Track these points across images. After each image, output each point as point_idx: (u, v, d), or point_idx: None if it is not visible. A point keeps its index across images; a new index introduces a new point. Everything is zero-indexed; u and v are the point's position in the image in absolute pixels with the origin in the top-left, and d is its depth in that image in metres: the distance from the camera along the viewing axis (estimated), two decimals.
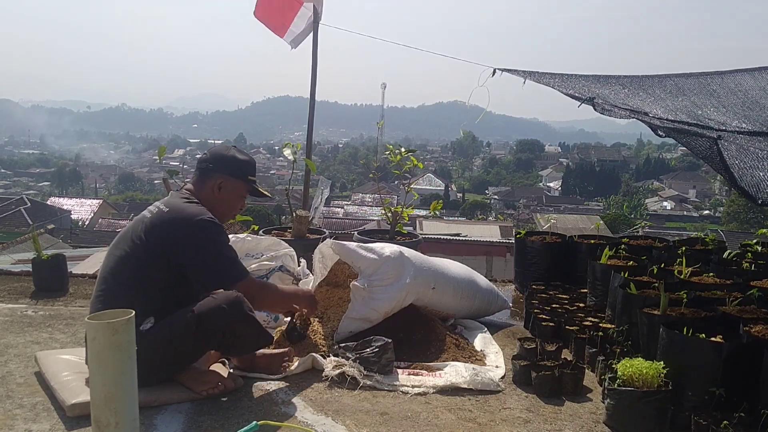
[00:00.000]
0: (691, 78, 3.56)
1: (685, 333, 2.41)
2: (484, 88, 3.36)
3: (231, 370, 2.65)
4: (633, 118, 3.00)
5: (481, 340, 3.22)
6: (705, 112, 3.12)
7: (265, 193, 2.80)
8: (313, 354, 2.77)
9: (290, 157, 4.69)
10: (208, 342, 2.45)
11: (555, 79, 3.38)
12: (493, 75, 3.37)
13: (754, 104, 3.19)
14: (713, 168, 2.84)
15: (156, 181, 68.54)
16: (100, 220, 36.24)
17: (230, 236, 3.47)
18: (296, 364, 2.72)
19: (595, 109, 3.00)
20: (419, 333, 3.04)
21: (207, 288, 2.46)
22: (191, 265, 2.43)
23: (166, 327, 2.36)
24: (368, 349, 2.75)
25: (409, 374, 2.72)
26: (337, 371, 2.63)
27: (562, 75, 3.49)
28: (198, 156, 2.95)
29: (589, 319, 3.36)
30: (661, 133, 2.90)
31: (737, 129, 2.90)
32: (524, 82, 3.37)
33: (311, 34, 5.32)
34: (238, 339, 2.48)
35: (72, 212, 36.56)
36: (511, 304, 4.00)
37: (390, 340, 2.76)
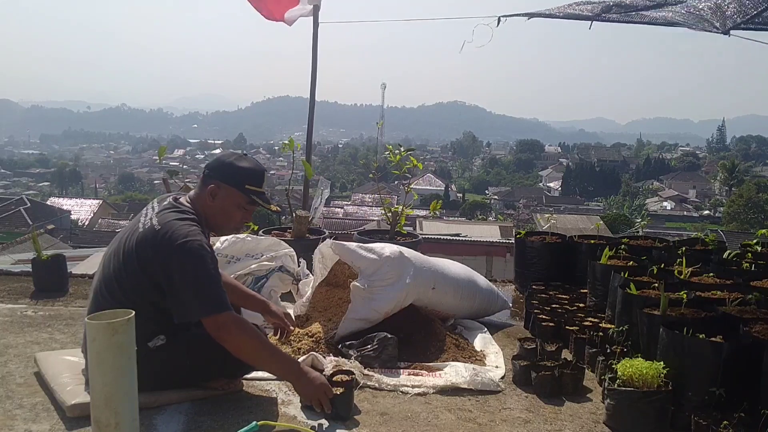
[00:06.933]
0: None
1: (685, 333, 2.41)
2: (486, 35, 3.38)
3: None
4: (646, 14, 2.94)
5: (481, 341, 3.22)
6: None
7: (270, 207, 2.56)
8: (314, 353, 2.77)
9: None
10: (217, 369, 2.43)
11: (557, 9, 3.35)
12: (498, 24, 3.38)
13: None
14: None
15: (156, 182, 68.54)
16: (99, 221, 36.25)
17: (231, 236, 3.47)
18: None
19: (611, 18, 2.95)
20: (419, 333, 3.04)
21: (176, 318, 2.23)
22: (167, 291, 2.23)
23: (180, 347, 2.33)
24: (369, 346, 2.77)
25: (409, 374, 2.72)
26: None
27: (564, 6, 3.46)
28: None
29: (589, 319, 3.35)
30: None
31: None
32: (528, 19, 3.38)
33: (311, 32, 5.33)
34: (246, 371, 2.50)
35: (72, 212, 36.54)
36: (511, 304, 3.99)
37: (391, 336, 2.78)
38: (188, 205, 2.43)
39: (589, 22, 3.09)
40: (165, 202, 2.43)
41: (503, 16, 3.42)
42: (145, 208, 2.46)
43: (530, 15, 3.43)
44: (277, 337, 2.91)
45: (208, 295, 2.20)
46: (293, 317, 2.91)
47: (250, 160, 2.51)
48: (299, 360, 2.70)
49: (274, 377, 2.62)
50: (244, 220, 2.55)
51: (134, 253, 2.28)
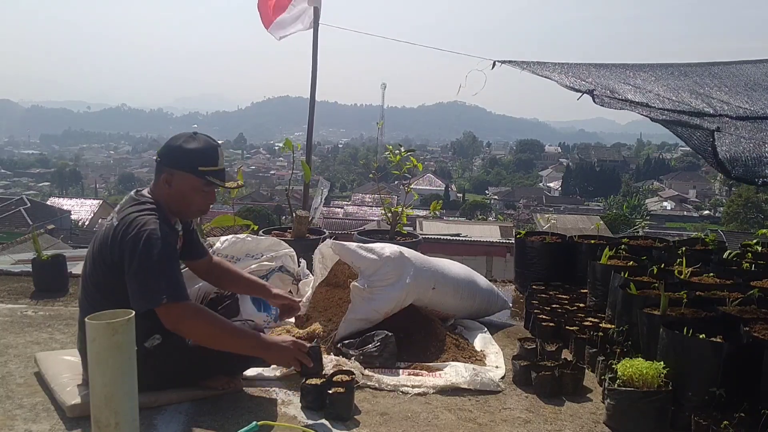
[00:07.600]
0: (693, 66, 3.53)
1: (685, 333, 2.41)
2: (481, 75, 3.36)
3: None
4: (632, 110, 2.98)
5: (481, 341, 3.22)
6: (707, 91, 3.08)
7: (226, 185, 2.44)
8: None
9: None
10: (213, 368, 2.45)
11: (554, 69, 3.36)
12: (492, 67, 3.37)
13: (756, 86, 3.15)
14: (706, 161, 2.82)
15: None
16: (99, 221, 36.16)
17: (231, 236, 3.47)
18: None
19: (594, 101, 2.96)
20: (419, 333, 3.04)
21: (134, 308, 2.03)
22: (127, 280, 2.18)
23: (176, 346, 2.33)
24: (370, 345, 2.77)
25: (409, 374, 2.72)
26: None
27: (561, 64, 3.47)
28: None
29: (590, 319, 3.36)
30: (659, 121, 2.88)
31: (739, 110, 2.87)
32: (521, 71, 3.38)
33: (310, 32, 5.33)
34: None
35: (72, 212, 36.54)
36: (511, 304, 3.99)
37: (391, 334, 2.79)
38: (148, 195, 2.40)
39: (579, 94, 3.06)
40: (127, 198, 2.42)
41: (498, 62, 3.39)
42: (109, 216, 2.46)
43: (525, 66, 3.39)
44: (287, 317, 2.98)
45: (153, 286, 2.14)
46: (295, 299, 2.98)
47: (199, 140, 2.41)
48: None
49: (275, 377, 2.62)
50: (207, 201, 2.46)
51: (99, 255, 2.30)
